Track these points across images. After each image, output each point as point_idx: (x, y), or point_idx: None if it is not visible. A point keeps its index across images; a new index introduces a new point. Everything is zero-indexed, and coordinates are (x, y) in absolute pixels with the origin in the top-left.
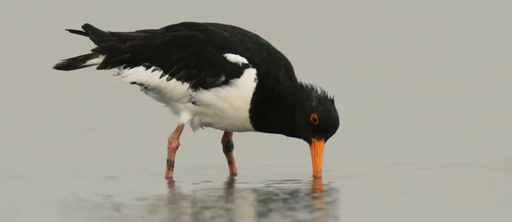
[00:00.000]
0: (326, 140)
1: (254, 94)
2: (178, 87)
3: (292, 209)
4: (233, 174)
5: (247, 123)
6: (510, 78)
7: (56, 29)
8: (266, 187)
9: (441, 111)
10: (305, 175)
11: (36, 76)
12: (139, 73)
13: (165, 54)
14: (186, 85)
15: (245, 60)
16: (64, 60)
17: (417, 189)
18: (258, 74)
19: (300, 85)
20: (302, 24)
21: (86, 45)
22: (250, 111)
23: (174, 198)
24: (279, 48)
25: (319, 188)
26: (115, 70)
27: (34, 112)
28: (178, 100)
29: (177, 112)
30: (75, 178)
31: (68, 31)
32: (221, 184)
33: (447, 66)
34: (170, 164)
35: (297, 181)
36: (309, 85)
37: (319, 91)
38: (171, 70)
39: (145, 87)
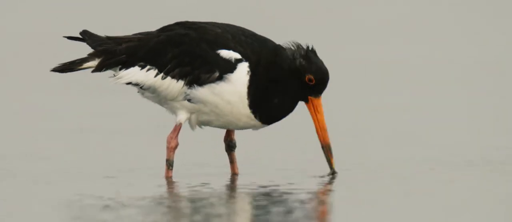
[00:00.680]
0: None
1: (249, 87)
2: (173, 85)
3: (292, 209)
4: (234, 173)
5: (251, 119)
6: (510, 78)
7: (56, 29)
8: (266, 187)
9: (441, 111)
10: (305, 175)
11: (36, 76)
12: (134, 73)
13: (159, 54)
14: (180, 83)
15: (238, 55)
16: (61, 64)
17: (417, 189)
18: (250, 66)
19: (282, 48)
20: (302, 24)
21: (85, 47)
22: (250, 106)
23: (173, 198)
24: None
25: (319, 188)
26: (110, 72)
27: (34, 112)
28: (173, 98)
29: (174, 112)
30: (75, 178)
31: (66, 38)
32: (221, 184)
33: (447, 66)
34: (170, 164)
35: (298, 181)
36: (290, 44)
37: (301, 48)
38: (165, 69)
39: (141, 87)
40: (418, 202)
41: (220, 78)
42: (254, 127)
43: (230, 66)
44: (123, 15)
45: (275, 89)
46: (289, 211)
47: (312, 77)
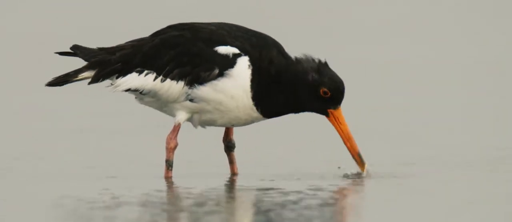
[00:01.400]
0: (340, 105)
1: (252, 81)
2: (173, 86)
3: (291, 210)
4: (233, 173)
5: (254, 111)
6: (510, 78)
7: (56, 29)
8: (266, 187)
9: (441, 111)
10: (306, 175)
11: (36, 76)
12: (133, 79)
13: (155, 57)
14: (181, 83)
15: (236, 50)
16: (56, 77)
17: (416, 189)
18: (251, 60)
19: (295, 60)
20: (302, 24)
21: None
22: (253, 98)
23: (173, 198)
24: None
25: (318, 188)
26: (107, 82)
27: (34, 112)
28: (175, 100)
29: (173, 113)
30: (74, 178)
31: (57, 54)
32: (221, 184)
33: (447, 66)
34: (169, 164)
35: (298, 181)
36: (302, 57)
37: (310, 60)
38: (164, 71)
39: (140, 93)
40: (418, 202)
41: (221, 74)
42: (254, 120)
43: (229, 62)
44: (123, 15)
45: (279, 88)
46: (289, 211)
47: (326, 90)
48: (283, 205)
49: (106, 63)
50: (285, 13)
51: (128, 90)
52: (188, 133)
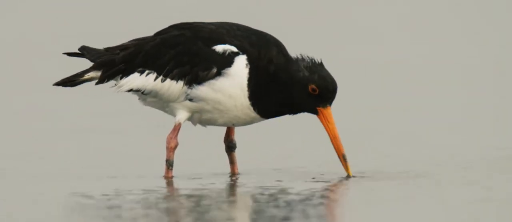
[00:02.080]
0: (330, 104)
1: (249, 79)
2: (173, 86)
3: (292, 209)
4: (234, 173)
5: (251, 111)
6: (510, 78)
7: (56, 29)
8: (267, 187)
9: (441, 111)
10: (306, 175)
11: (36, 76)
12: (134, 79)
13: (156, 57)
14: (180, 83)
15: (234, 49)
16: (64, 78)
17: (416, 189)
18: (248, 59)
19: (290, 59)
20: (302, 24)
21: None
22: (250, 98)
23: (173, 198)
24: None
25: (319, 188)
26: (112, 82)
27: (34, 112)
28: (175, 100)
29: (174, 113)
30: (75, 178)
31: (66, 54)
32: (221, 184)
33: (447, 66)
34: (169, 164)
35: (298, 181)
36: (298, 57)
37: (306, 60)
38: (164, 71)
39: (142, 93)
40: (418, 202)
41: (218, 74)
42: (253, 120)
43: (227, 61)
44: (123, 15)
45: (277, 88)
46: (289, 211)
47: (315, 86)
48: (283, 205)
49: (111, 64)
50: (285, 13)
51: (130, 90)
52: (188, 133)
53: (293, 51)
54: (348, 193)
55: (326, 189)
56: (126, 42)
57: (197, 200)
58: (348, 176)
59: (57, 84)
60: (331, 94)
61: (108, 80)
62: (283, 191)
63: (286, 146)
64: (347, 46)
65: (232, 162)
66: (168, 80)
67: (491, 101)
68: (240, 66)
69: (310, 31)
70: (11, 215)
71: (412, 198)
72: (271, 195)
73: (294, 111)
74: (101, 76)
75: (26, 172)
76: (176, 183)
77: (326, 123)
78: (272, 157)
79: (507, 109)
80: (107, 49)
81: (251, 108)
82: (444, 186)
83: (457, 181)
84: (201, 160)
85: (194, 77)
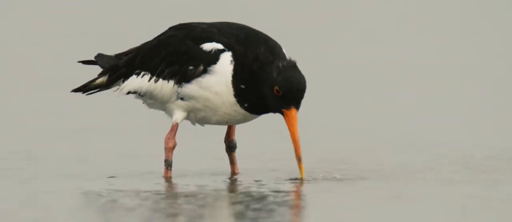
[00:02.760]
0: (296, 107)
1: (233, 76)
2: (165, 86)
3: (293, 209)
4: (234, 173)
5: (238, 108)
6: (510, 78)
7: (57, 29)
8: (267, 187)
9: (441, 111)
10: (307, 174)
11: (36, 76)
12: (132, 81)
13: (151, 58)
14: (171, 82)
15: (220, 46)
16: (79, 86)
17: (416, 190)
18: (233, 55)
19: (274, 60)
20: (302, 24)
21: (89, 51)
22: (236, 95)
23: (173, 198)
24: None
25: (319, 188)
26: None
27: (34, 112)
28: (169, 100)
29: (170, 113)
30: (74, 178)
31: (80, 63)
32: (221, 184)
33: (447, 66)
34: (168, 164)
35: (298, 181)
36: (279, 57)
37: (281, 63)
38: (157, 71)
39: (139, 94)
40: (418, 202)
41: (205, 71)
42: (247, 117)
43: (213, 58)
44: (123, 14)
45: (256, 86)
46: (289, 211)
47: (278, 88)
48: (284, 205)
49: (115, 68)
50: (285, 13)
51: (129, 93)
52: (189, 133)
53: (293, 52)
54: (347, 193)
55: (326, 189)
56: (132, 48)
57: (197, 200)
58: (301, 179)
59: (74, 91)
60: (294, 97)
61: (113, 85)
62: (283, 191)
63: (286, 145)
64: (347, 46)
65: (232, 162)
66: (160, 80)
67: (491, 101)
68: (225, 63)
69: (310, 31)
70: (11, 215)
71: (412, 198)
72: (271, 195)
73: (272, 109)
74: (107, 80)
75: (26, 172)
76: (176, 183)
77: (289, 125)
78: (272, 157)
79: (507, 109)
80: (117, 56)
81: (238, 105)
82: (444, 186)
83: (457, 181)
84: (201, 160)
85: (183, 76)
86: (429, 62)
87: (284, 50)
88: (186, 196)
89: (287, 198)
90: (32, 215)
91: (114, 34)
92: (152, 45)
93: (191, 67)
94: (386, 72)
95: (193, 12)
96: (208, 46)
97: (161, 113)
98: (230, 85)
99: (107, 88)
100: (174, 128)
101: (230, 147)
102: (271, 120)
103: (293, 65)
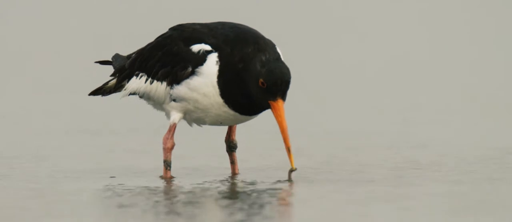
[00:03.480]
0: (282, 98)
1: (219, 77)
2: (159, 87)
3: (293, 209)
4: (234, 173)
5: (227, 109)
6: (510, 78)
7: (57, 29)
8: (268, 187)
9: (441, 111)
10: (307, 174)
11: (37, 76)
12: (132, 82)
13: (148, 59)
14: (164, 84)
15: (208, 47)
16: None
17: (416, 190)
18: (219, 56)
19: (254, 56)
20: (302, 24)
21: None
22: (222, 95)
23: (173, 198)
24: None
25: (319, 188)
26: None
27: (34, 112)
28: (164, 101)
29: (168, 114)
30: (74, 178)
31: (97, 63)
32: (222, 184)
33: (447, 66)
34: (167, 164)
35: (298, 181)
36: (266, 52)
37: (264, 57)
38: (152, 73)
39: (138, 95)
40: (418, 202)
41: (193, 72)
42: (239, 118)
43: (200, 59)
44: (123, 14)
45: (241, 84)
46: (289, 211)
47: (263, 80)
48: (284, 205)
49: (122, 70)
50: (285, 13)
51: (130, 94)
52: (189, 133)
53: (293, 52)
54: (347, 192)
55: (326, 189)
56: (139, 49)
57: (197, 200)
58: (291, 169)
59: (91, 94)
60: (278, 87)
61: (119, 85)
62: (283, 190)
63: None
64: (347, 47)
65: (232, 162)
66: (155, 81)
67: (492, 101)
68: (211, 64)
69: (309, 31)
70: (11, 215)
71: (412, 198)
72: (271, 195)
73: (259, 106)
74: (115, 82)
75: (27, 172)
76: (176, 183)
77: (276, 116)
78: (272, 157)
79: (508, 109)
80: (128, 56)
81: (226, 106)
82: (444, 186)
83: (457, 181)
84: (201, 160)
85: (174, 78)
86: (429, 62)
87: (278, 49)
88: (186, 196)
89: (287, 198)
90: (32, 215)
91: (114, 35)
92: (151, 46)
93: (181, 69)
94: (386, 72)
95: (194, 12)
96: (196, 47)
97: (161, 113)
98: (216, 86)
99: (117, 91)
100: (172, 129)
101: (231, 147)
102: (271, 120)
103: (276, 58)
